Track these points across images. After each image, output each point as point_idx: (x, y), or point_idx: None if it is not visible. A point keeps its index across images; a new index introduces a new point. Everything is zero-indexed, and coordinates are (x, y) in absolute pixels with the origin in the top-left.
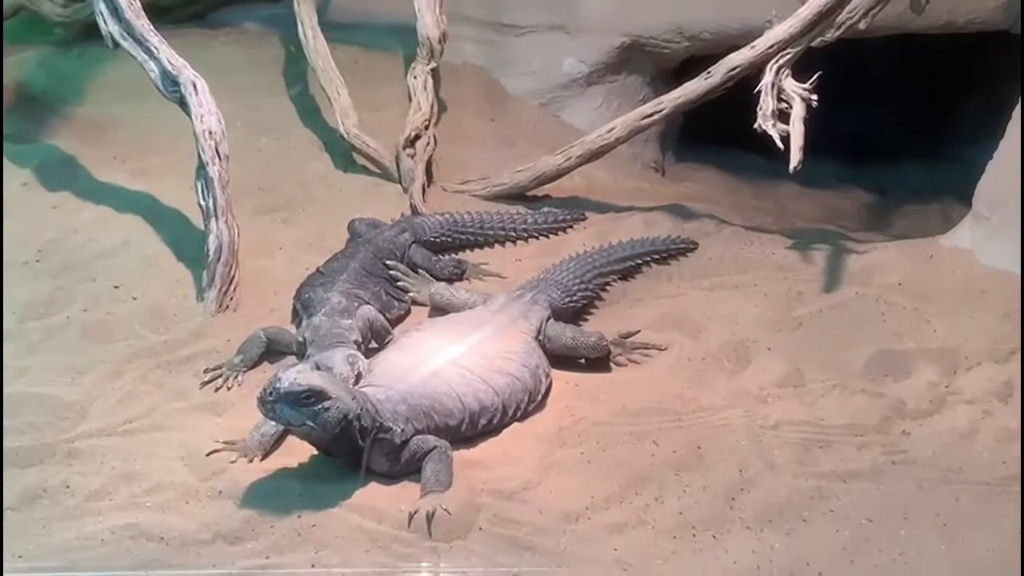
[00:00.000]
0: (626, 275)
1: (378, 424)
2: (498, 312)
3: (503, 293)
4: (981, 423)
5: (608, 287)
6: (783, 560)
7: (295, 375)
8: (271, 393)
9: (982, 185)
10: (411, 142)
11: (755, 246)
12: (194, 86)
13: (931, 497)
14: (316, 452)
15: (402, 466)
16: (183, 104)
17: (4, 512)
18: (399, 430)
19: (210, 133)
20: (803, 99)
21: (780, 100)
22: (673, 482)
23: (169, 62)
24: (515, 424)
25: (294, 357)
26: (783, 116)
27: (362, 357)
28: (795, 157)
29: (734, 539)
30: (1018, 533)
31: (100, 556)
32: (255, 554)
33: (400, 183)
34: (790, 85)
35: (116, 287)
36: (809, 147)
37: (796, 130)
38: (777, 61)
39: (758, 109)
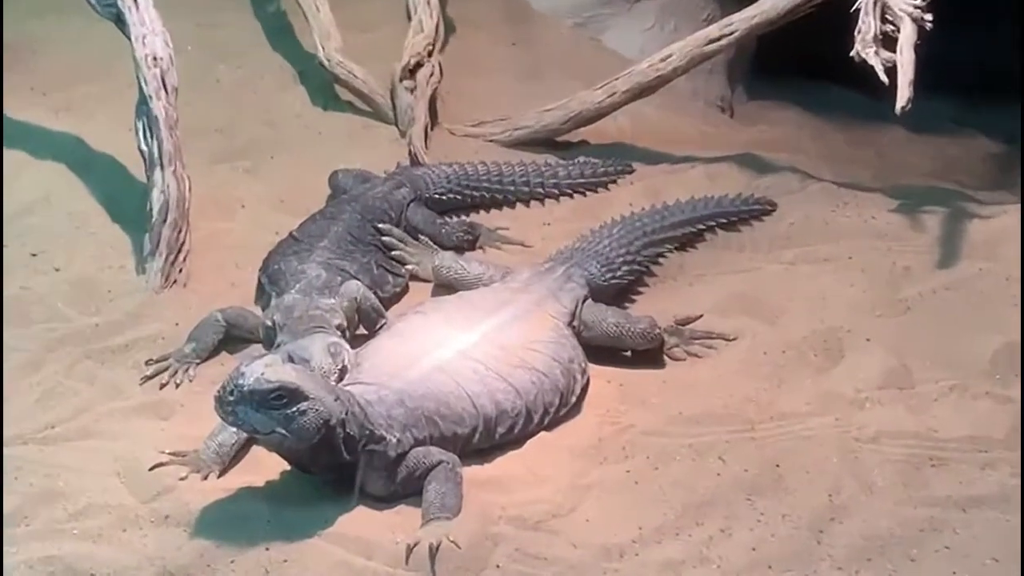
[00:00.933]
0: (684, 244)
1: (368, 432)
2: (521, 290)
3: (527, 266)
4: None
5: (661, 259)
6: None
7: (262, 369)
8: (232, 392)
9: None
10: (410, 72)
11: (849, 208)
12: None
13: None
14: (289, 467)
15: (398, 486)
16: (120, 21)
17: None
18: (394, 440)
19: (154, 59)
20: (914, 19)
21: (885, 21)
22: (744, 509)
23: None
24: (542, 433)
25: (260, 346)
26: (888, 42)
27: (347, 346)
28: (903, 94)
29: None
30: None
31: None
32: None
33: (396, 124)
34: (898, 2)
35: (34, 255)
36: (920, 81)
37: (905, 59)
38: None
39: (856, 32)
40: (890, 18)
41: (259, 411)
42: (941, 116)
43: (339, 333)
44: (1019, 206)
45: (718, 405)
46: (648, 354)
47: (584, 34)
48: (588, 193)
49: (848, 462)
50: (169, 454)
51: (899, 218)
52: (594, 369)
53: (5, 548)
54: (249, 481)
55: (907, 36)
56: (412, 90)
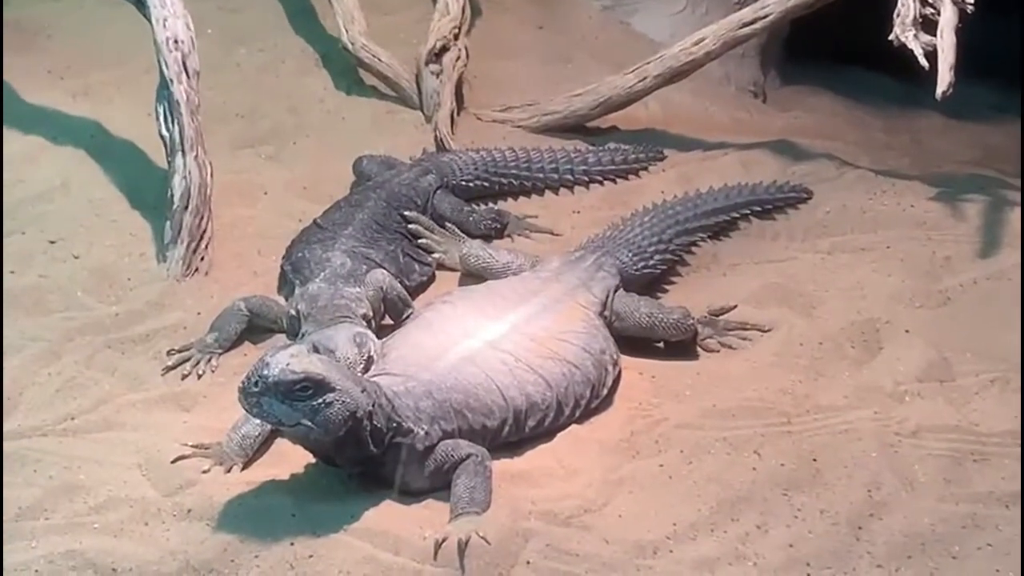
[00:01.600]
0: (718, 233)
1: (395, 424)
2: (551, 280)
3: (557, 255)
4: None
5: (694, 248)
6: None
7: (287, 360)
8: (256, 383)
9: None
10: (436, 55)
11: (887, 196)
12: None
13: None
14: (314, 460)
15: (427, 479)
16: (140, 3)
17: None
18: (422, 432)
19: (175, 42)
20: (955, 2)
21: (924, 4)
22: (781, 505)
23: None
24: (573, 426)
25: (284, 336)
26: (928, 25)
27: (373, 337)
28: (944, 79)
29: None
30: None
31: None
32: None
33: (421, 109)
34: None
35: (52, 242)
36: (960, 67)
37: (946, 43)
38: None
39: (895, 16)
40: (930, 1)
41: (284, 402)
42: (980, 102)
43: (365, 323)
44: None
45: (754, 398)
46: (681, 346)
47: (613, 17)
48: (619, 180)
49: (887, 457)
50: (192, 446)
51: (938, 206)
52: (626, 360)
53: (25, 543)
54: (273, 474)
55: (948, 19)
56: (438, 74)
